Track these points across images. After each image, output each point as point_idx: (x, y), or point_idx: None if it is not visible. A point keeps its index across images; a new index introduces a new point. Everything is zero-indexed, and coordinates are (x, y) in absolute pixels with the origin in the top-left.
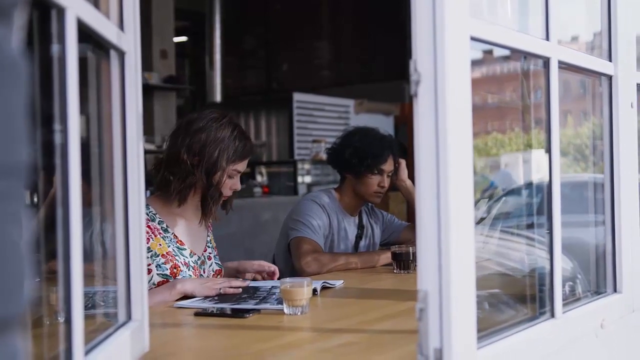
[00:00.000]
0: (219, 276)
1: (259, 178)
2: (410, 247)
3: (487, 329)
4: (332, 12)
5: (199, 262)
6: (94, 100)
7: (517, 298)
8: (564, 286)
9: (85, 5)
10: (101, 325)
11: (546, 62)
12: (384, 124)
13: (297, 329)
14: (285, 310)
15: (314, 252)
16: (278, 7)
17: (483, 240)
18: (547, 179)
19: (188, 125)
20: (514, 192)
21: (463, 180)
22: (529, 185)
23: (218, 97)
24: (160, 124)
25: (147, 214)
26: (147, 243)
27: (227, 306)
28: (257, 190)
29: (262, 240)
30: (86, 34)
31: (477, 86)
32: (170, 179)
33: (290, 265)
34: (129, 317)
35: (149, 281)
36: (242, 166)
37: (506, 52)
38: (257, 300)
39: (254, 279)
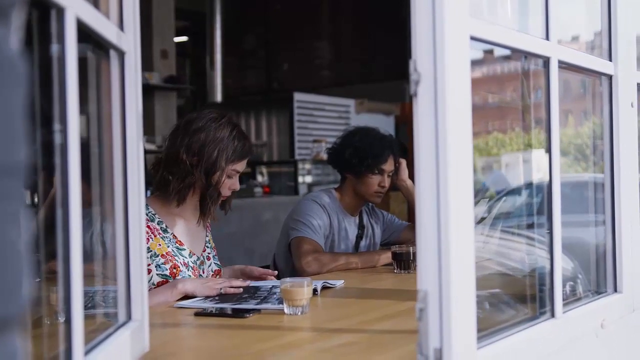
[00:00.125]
0: (217, 276)
1: (259, 178)
2: (411, 247)
3: (487, 329)
4: (332, 12)
5: (198, 262)
6: (94, 100)
7: (517, 298)
8: (564, 286)
9: (84, 5)
10: (101, 325)
11: (546, 61)
12: (385, 124)
13: (297, 329)
14: (286, 310)
15: (315, 252)
16: (278, 7)
17: (483, 240)
18: (547, 178)
19: (187, 125)
20: (515, 192)
21: (463, 180)
22: (529, 185)
23: (219, 97)
24: (161, 124)
25: (147, 214)
26: (147, 243)
27: (228, 306)
28: (258, 190)
29: (263, 240)
30: (86, 34)
31: (478, 86)
32: (169, 179)
33: (291, 265)
34: (129, 317)
35: (149, 281)
36: (241, 166)
37: (507, 52)
38: (258, 300)
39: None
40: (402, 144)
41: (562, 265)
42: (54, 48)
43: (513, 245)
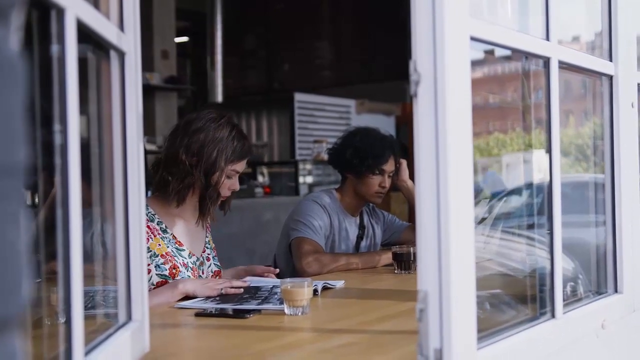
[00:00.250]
0: (217, 277)
1: (260, 178)
2: (411, 248)
3: (487, 329)
4: (333, 12)
5: (197, 263)
6: (95, 100)
7: (517, 298)
8: (565, 286)
9: (85, 5)
10: (101, 325)
11: (546, 62)
12: (385, 124)
13: (298, 330)
14: (286, 311)
15: (315, 253)
16: (278, 7)
17: (484, 241)
18: (548, 179)
19: (186, 126)
20: (515, 192)
21: (463, 181)
22: (529, 185)
23: (219, 97)
24: (162, 124)
25: (146, 214)
26: (147, 243)
27: (228, 306)
28: (259, 190)
29: (263, 240)
30: (86, 35)
31: (479, 86)
32: (169, 179)
33: (291, 266)
34: (129, 317)
35: (148, 281)
36: (240, 166)
37: (507, 52)
38: (259, 301)
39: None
40: (402, 144)
41: (563, 265)
42: (54, 48)
43: (514, 246)
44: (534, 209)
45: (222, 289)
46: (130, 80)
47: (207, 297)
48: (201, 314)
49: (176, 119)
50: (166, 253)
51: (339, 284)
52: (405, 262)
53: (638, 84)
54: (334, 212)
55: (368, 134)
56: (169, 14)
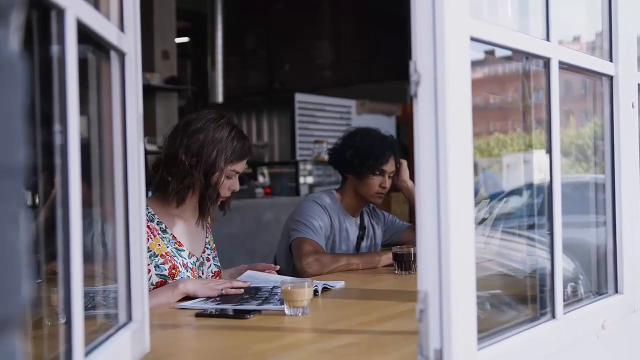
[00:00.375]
0: (218, 277)
1: (260, 179)
2: (412, 248)
3: (487, 330)
4: (333, 12)
5: (197, 263)
6: (95, 101)
7: (518, 299)
8: (565, 287)
9: (85, 6)
10: (102, 326)
11: (546, 62)
12: (386, 125)
13: (298, 330)
14: (286, 311)
15: (315, 253)
16: (279, 7)
17: (484, 241)
18: (548, 179)
19: (186, 126)
20: (516, 192)
21: (463, 181)
22: (530, 185)
23: (220, 98)
24: (162, 124)
25: (146, 215)
26: (146, 243)
27: (229, 307)
28: (259, 191)
29: (264, 240)
30: (86, 35)
31: (479, 87)
32: (169, 179)
33: (292, 266)
34: (129, 318)
35: (148, 281)
36: (240, 167)
37: (508, 53)
38: (260, 301)
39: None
40: (403, 145)
41: (563, 266)
42: (54, 49)
43: (514, 246)
44: (535, 210)
45: (222, 290)
46: (130, 81)
47: (208, 298)
48: (201, 314)
49: (177, 119)
50: (166, 253)
51: (339, 284)
52: (405, 263)
53: (638, 85)
54: (334, 213)
55: (368, 135)
56: (170, 14)
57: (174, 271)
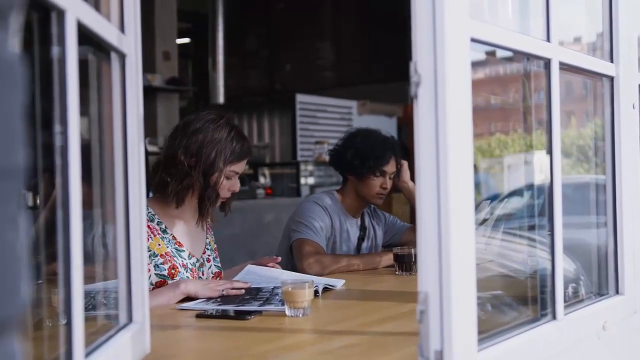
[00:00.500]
0: (218, 278)
1: (261, 179)
2: (412, 249)
3: (488, 331)
4: (334, 12)
5: (197, 264)
6: (95, 102)
7: (518, 299)
8: (566, 288)
9: (85, 7)
10: (102, 327)
11: (547, 63)
12: (387, 125)
13: (299, 331)
14: (287, 312)
15: (316, 254)
16: (279, 8)
17: (485, 242)
18: (549, 180)
19: (185, 127)
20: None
21: (463, 182)
22: (531, 186)
23: (221, 99)
24: (163, 125)
25: (147, 215)
26: (146, 243)
27: (230, 308)
28: (260, 191)
29: (265, 241)
30: (87, 36)
31: (480, 87)
32: (168, 180)
33: (293, 267)
34: (130, 319)
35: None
36: (239, 167)
37: (509, 53)
38: (261, 302)
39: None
40: (404, 146)
41: (564, 267)
42: (55, 50)
43: (515, 247)
44: (535, 210)
45: (223, 290)
46: (130, 82)
47: (209, 299)
48: (202, 315)
49: (178, 120)
50: (165, 253)
51: (340, 283)
52: (406, 264)
53: (639, 85)
54: (335, 214)
55: (369, 135)
56: (171, 15)
57: (173, 271)
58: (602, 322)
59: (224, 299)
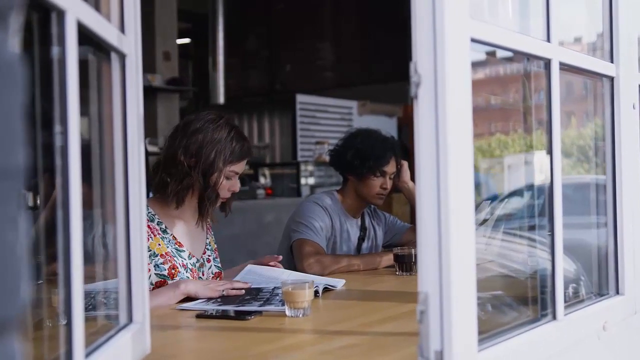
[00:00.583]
0: (218, 278)
1: (262, 180)
2: (413, 249)
3: (488, 331)
4: (334, 12)
5: (197, 264)
6: (95, 102)
7: (519, 300)
8: (566, 288)
9: (85, 7)
10: (102, 327)
11: (547, 63)
12: (387, 126)
13: (299, 331)
14: (287, 312)
15: (316, 254)
16: (280, 8)
17: (485, 242)
18: (549, 180)
19: (185, 127)
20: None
21: (463, 182)
22: (531, 186)
23: (221, 99)
24: (164, 125)
25: (147, 215)
26: (146, 242)
27: (230, 308)
28: (260, 192)
29: (265, 241)
30: (87, 37)
31: (481, 87)
32: (168, 180)
33: (293, 267)
34: (130, 319)
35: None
36: (239, 167)
37: (509, 54)
38: (261, 302)
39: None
40: (404, 146)
41: (564, 267)
42: (55, 50)
43: (515, 247)
44: (536, 211)
45: (223, 291)
46: (131, 82)
47: (209, 299)
48: (202, 315)
49: (178, 120)
50: (166, 253)
51: (340, 283)
52: (406, 264)
53: (639, 85)
54: (335, 214)
55: (369, 136)
56: (171, 15)
57: (173, 271)
58: (603, 322)
59: (224, 299)
